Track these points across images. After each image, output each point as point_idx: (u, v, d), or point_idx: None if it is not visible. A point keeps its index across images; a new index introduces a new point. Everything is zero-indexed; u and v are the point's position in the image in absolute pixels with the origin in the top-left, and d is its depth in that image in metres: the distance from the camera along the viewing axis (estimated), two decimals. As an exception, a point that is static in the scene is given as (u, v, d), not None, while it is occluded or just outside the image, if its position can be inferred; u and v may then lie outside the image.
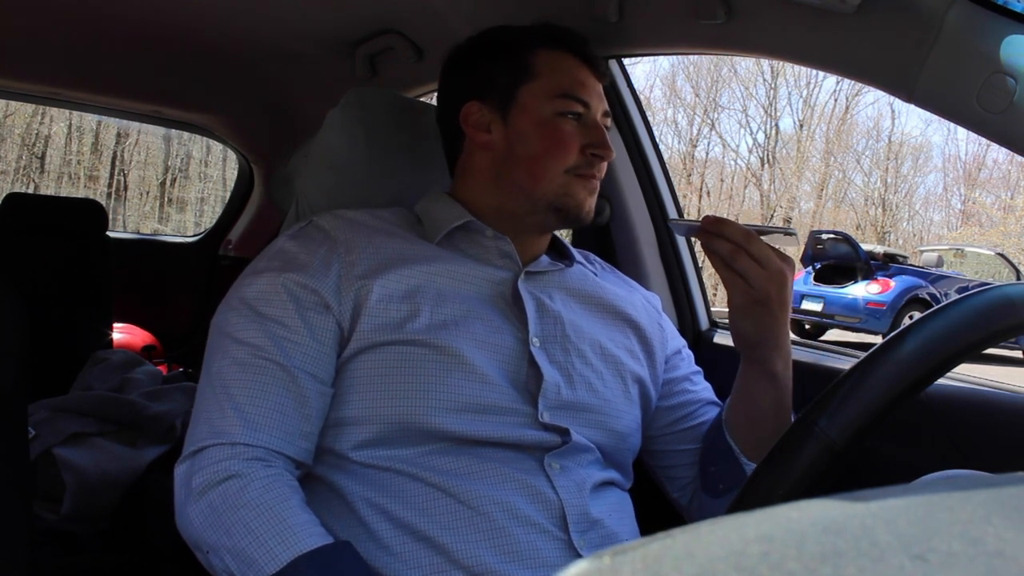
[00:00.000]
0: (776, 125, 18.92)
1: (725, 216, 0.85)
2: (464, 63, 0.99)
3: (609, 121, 0.96)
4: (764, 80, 18.78)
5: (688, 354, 1.08)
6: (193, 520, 0.74)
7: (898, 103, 16.24)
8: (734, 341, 0.89)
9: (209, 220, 7.58)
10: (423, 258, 0.88)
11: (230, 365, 0.80)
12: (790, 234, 0.85)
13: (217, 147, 10.32)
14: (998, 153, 18.45)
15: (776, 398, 0.89)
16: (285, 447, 0.78)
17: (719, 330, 1.40)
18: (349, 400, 0.82)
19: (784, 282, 0.82)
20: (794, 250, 0.86)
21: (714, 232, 0.82)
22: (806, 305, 8.69)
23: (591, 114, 0.93)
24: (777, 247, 0.84)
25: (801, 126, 18.84)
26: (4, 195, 2.23)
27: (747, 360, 0.91)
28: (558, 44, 0.94)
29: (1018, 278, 9.44)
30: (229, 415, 0.78)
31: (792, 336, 0.91)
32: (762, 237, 0.83)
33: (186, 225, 13.17)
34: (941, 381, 0.69)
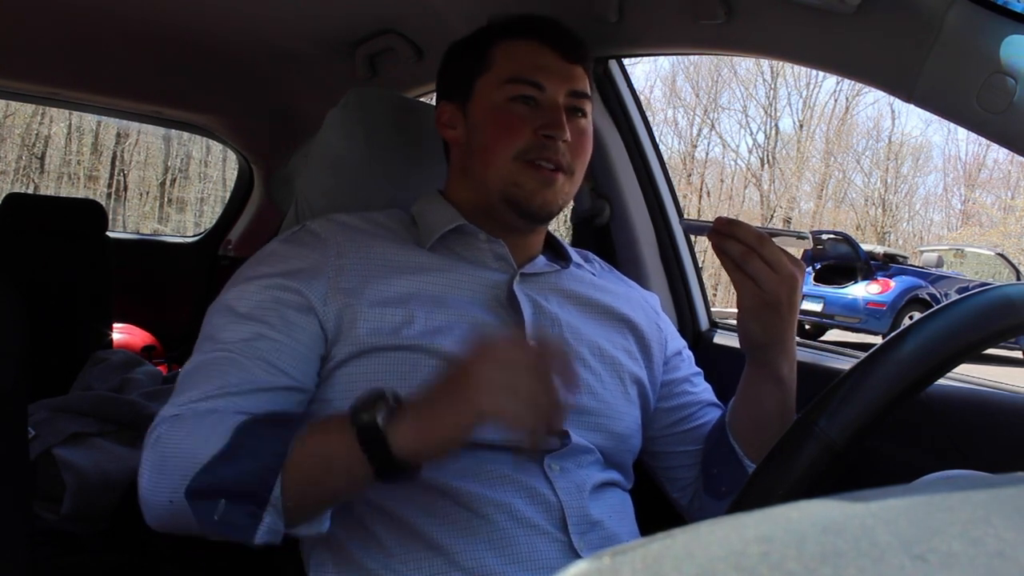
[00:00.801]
0: (776, 125, 18.93)
1: (727, 216, 0.84)
2: (441, 68, 1.01)
3: (586, 103, 0.94)
4: (764, 80, 18.79)
5: (688, 355, 1.07)
6: (145, 492, 0.72)
7: (898, 103, 16.24)
8: (741, 343, 0.89)
9: (209, 220, 7.58)
10: (416, 265, 0.88)
11: (199, 361, 0.79)
12: (802, 238, 0.85)
13: (217, 147, 10.31)
14: (998, 153, 18.46)
15: (781, 400, 0.89)
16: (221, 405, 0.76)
17: (719, 330, 1.40)
18: (342, 405, 0.80)
19: (795, 286, 0.82)
20: (795, 251, 0.86)
21: (727, 233, 0.81)
22: (806, 305, 8.68)
23: (548, 96, 0.90)
24: (788, 250, 0.83)
25: (801, 126, 18.85)
26: (4, 195, 2.23)
27: (753, 363, 0.90)
28: (518, 33, 0.94)
29: (1018, 278, 9.44)
30: (178, 399, 0.76)
31: (791, 336, 0.91)
32: (774, 240, 0.82)
33: (186, 225, 13.16)
34: (941, 381, 0.69)
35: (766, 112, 18.90)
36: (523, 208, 0.90)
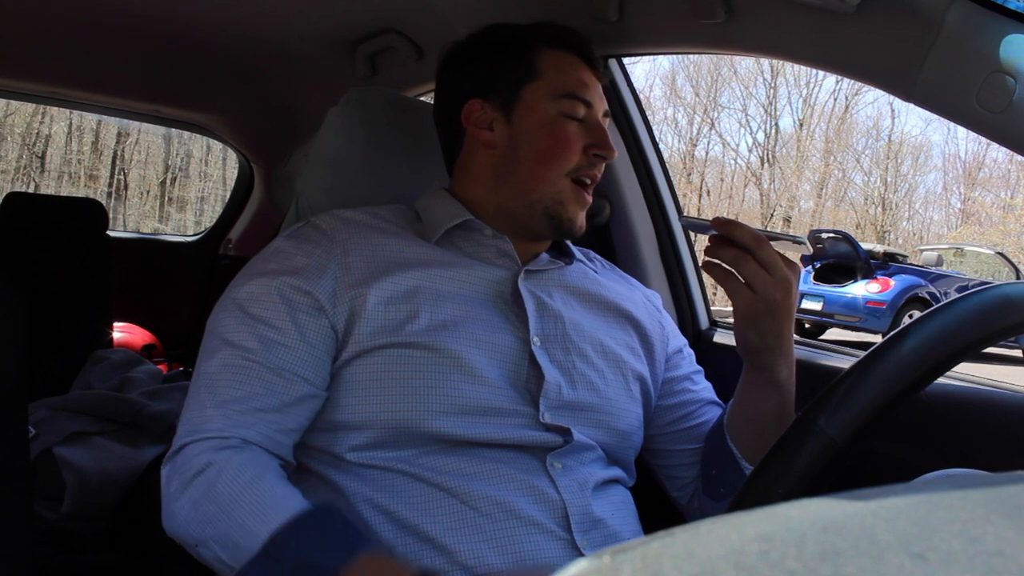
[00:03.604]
0: (776, 124, 18.93)
1: (725, 215, 0.84)
2: (465, 60, 0.98)
3: (608, 121, 0.96)
4: (764, 79, 18.79)
5: (689, 353, 1.07)
6: (178, 518, 0.74)
7: (898, 102, 16.25)
8: (738, 349, 0.88)
9: (209, 219, 7.58)
10: (421, 259, 0.88)
11: (217, 366, 0.80)
12: (799, 242, 0.83)
13: (217, 146, 10.31)
14: (998, 152, 18.46)
15: (779, 404, 0.88)
16: (263, 441, 0.77)
17: (719, 329, 1.40)
18: (346, 404, 0.81)
19: (790, 289, 0.81)
20: (791, 255, 0.85)
21: (723, 233, 0.80)
22: (806, 304, 8.69)
23: (593, 114, 0.93)
24: (783, 253, 0.83)
25: (801, 125, 18.85)
26: (4, 194, 2.23)
27: (751, 367, 0.90)
28: (560, 44, 0.94)
29: (1018, 277, 9.44)
30: (208, 412, 0.77)
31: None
32: (770, 243, 0.81)
33: (186, 224, 13.16)
34: (941, 380, 0.69)
35: (766, 111, 18.91)
36: (562, 226, 0.92)
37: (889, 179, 18.92)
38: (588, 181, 0.92)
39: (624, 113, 1.39)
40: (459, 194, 0.96)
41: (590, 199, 0.93)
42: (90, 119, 12.05)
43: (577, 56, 0.94)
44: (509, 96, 0.93)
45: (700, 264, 1.41)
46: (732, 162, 19.60)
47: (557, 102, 0.91)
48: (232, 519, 0.70)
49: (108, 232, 2.37)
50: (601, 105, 0.94)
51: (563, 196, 0.91)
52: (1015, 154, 0.78)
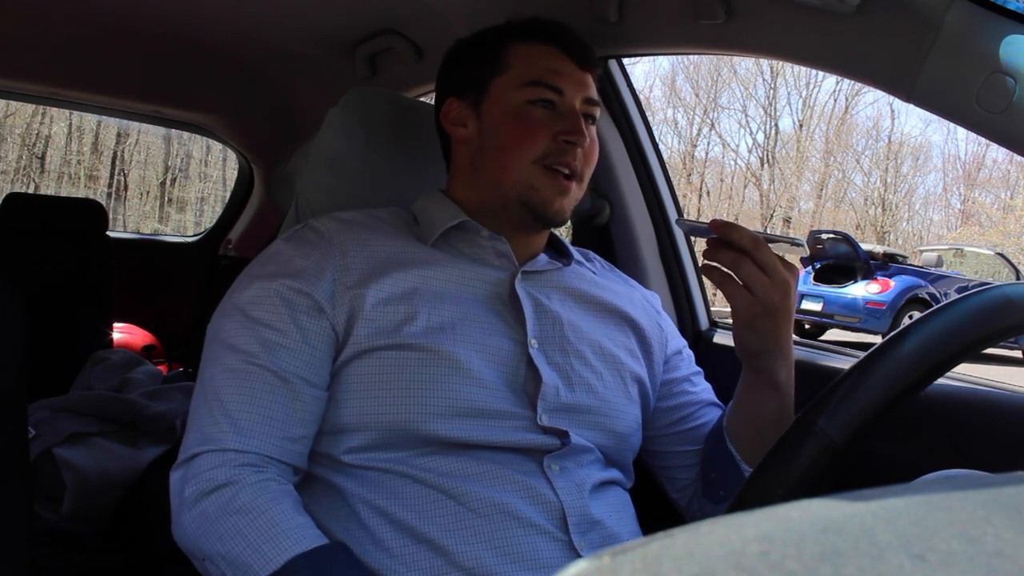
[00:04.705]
0: (776, 125, 18.93)
1: (725, 215, 0.84)
2: (448, 63, 1.01)
3: (597, 111, 0.95)
4: (764, 80, 18.79)
5: (689, 354, 1.07)
6: (187, 529, 0.75)
7: (898, 103, 16.24)
8: (737, 351, 0.88)
9: (209, 220, 7.58)
10: (419, 260, 0.88)
11: (222, 372, 0.80)
12: (797, 244, 0.83)
13: (217, 147, 10.31)
14: (997, 153, 18.47)
15: (779, 406, 0.88)
16: (276, 452, 0.78)
17: (719, 330, 1.40)
18: (345, 406, 0.81)
19: (788, 291, 0.81)
20: (790, 257, 0.85)
21: (722, 236, 0.80)
22: (806, 305, 8.68)
23: (566, 101, 0.91)
24: (782, 255, 0.83)
25: (801, 126, 18.85)
26: (4, 195, 2.23)
27: (750, 369, 0.89)
28: (534, 36, 0.94)
29: (1018, 278, 9.44)
30: (220, 422, 0.78)
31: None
32: (769, 245, 0.81)
33: (186, 225, 13.16)
34: (940, 381, 0.69)
35: (766, 112, 18.92)
36: (539, 212, 0.91)
37: (889, 180, 18.92)
38: (564, 170, 0.89)
39: (624, 114, 1.39)
40: (452, 195, 0.96)
41: (570, 186, 0.90)
42: (90, 120, 12.04)
43: (552, 46, 0.93)
44: (479, 91, 0.93)
45: (700, 264, 1.41)
46: (732, 163, 19.61)
47: (521, 90, 0.90)
48: (246, 541, 0.71)
49: (108, 232, 2.38)
50: (578, 92, 0.92)
51: (534, 181, 0.89)
52: (1015, 154, 0.78)
